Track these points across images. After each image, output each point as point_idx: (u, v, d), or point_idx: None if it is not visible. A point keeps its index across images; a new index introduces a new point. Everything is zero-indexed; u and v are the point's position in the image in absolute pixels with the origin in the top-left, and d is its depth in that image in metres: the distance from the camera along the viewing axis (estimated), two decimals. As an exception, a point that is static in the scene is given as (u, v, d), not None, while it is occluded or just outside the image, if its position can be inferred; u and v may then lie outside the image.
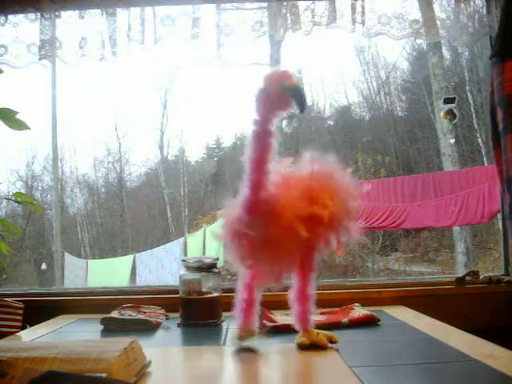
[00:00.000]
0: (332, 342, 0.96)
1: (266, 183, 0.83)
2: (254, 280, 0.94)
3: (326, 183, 0.87)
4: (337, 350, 0.92)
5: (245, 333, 0.95)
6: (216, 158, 11.12)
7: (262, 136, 0.83)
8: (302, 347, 0.94)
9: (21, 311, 1.43)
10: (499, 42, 1.30)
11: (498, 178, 1.37)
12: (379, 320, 1.21)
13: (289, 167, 0.91)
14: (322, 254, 0.93)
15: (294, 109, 0.83)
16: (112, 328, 1.22)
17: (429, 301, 1.50)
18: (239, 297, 0.95)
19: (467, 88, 8.11)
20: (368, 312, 1.24)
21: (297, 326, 0.97)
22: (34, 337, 1.15)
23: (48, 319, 1.40)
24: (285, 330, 1.12)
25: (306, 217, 0.83)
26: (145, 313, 1.34)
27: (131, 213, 9.98)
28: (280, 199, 0.84)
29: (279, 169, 0.89)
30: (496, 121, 1.31)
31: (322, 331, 0.97)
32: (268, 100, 0.82)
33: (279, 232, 0.82)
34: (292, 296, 0.95)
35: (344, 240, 0.90)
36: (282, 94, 0.81)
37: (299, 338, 0.96)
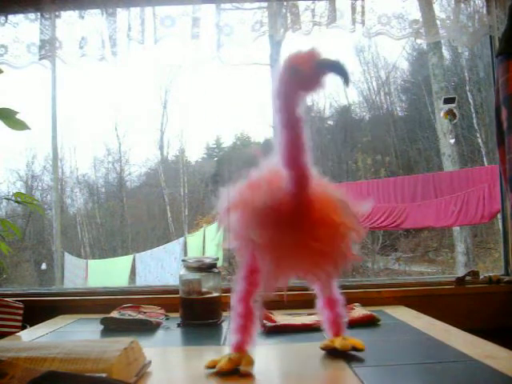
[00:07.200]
0: (356, 349, 0.89)
1: (311, 178, 0.73)
2: (252, 287, 0.80)
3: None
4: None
5: (238, 354, 0.80)
6: (216, 158, 11.11)
7: (293, 124, 0.71)
8: (325, 350, 0.91)
9: (21, 311, 1.43)
10: (505, 40, 1.30)
11: (502, 176, 1.37)
12: (379, 320, 1.21)
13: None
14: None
15: (339, 82, 0.70)
16: (112, 328, 1.22)
17: (429, 301, 1.50)
18: (235, 311, 0.81)
19: (467, 88, 8.10)
20: (368, 312, 1.24)
21: (328, 333, 0.92)
22: (34, 337, 1.15)
23: (48, 319, 1.40)
24: (285, 330, 1.13)
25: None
26: (145, 313, 1.34)
27: (131, 213, 9.97)
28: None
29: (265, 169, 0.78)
30: (500, 119, 1.30)
31: (349, 337, 0.91)
32: (296, 82, 0.71)
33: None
34: (320, 303, 0.90)
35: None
36: (317, 72, 0.71)
37: (325, 340, 0.92)
